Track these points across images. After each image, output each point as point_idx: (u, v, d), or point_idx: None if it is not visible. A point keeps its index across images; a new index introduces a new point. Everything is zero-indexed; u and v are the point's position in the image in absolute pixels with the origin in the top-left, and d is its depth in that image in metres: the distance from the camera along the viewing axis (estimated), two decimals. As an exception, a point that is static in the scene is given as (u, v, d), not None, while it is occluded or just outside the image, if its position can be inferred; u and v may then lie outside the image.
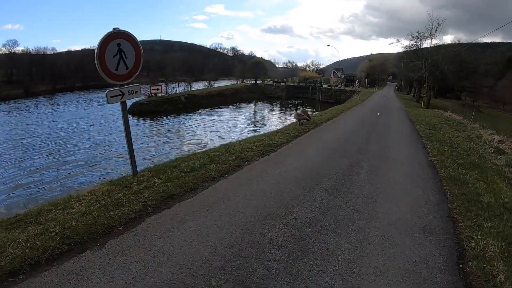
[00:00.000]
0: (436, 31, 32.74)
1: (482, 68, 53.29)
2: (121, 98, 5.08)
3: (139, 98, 34.48)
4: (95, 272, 2.63)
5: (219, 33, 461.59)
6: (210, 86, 52.80)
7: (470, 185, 5.38)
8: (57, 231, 3.19)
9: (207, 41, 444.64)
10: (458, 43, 39.43)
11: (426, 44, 34.69)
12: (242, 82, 61.53)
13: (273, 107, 42.29)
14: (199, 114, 31.81)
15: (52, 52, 70.50)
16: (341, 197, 4.45)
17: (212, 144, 16.36)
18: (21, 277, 2.56)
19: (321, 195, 4.45)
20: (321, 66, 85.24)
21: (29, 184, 11.72)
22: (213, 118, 29.58)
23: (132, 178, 5.29)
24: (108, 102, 4.95)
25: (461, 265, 3.01)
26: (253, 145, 7.44)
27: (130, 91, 5.19)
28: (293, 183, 4.88)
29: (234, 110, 37.05)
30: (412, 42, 35.04)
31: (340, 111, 18.17)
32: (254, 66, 65.80)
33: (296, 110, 11.94)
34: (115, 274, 2.61)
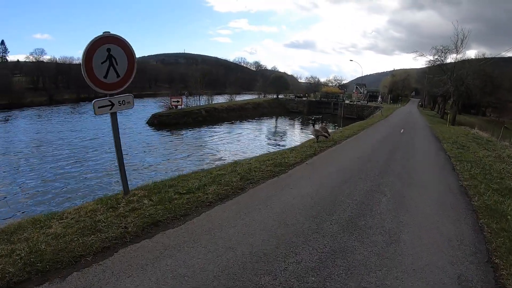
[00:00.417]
0: (461, 43, 31.26)
1: (507, 83, 50.41)
2: (111, 109, 4.65)
3: (159, 110, 35.01)
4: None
5: (243, 48, 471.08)
6: (232, 99, 52.96)
7: (509, 217, 4.44)
8: (22, 254, 2.85)
9: (231, 55, 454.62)
10: (482, 58, 37.60)
11: (450, 58, 33.38)
12: (264, 97, 61.41)
13: (294, 122, 41.49)
14: (218, 127, 31.49)
15: (78, 62, 74.01)
16: (357, 233, 3.65)
17: (230, 159, 15.87)
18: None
19: (333, 231, 3.68)
20: (344, 82, 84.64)
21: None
22: (232, 132, 29.16)
23: (122, 197, 4.82)
24: (95, 113, 4.54)
25: None
26: (263, 164, 6.78)
27: (121, 102, 4.75)
28: (301, 213, 4.14)
29: (254, 124, 36.52)
30: (436, 56, 33.66)
31: (361, 128, 17.20)
32: (276, 80, 65.68)
33: (313, 126, 11.20)
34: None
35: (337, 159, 8.14)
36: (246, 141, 24.56)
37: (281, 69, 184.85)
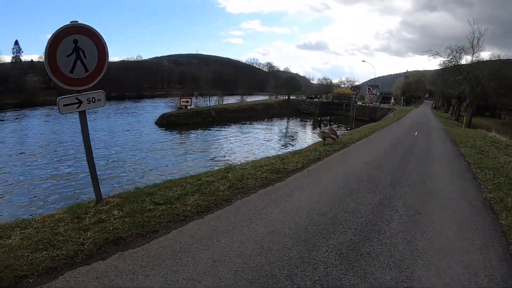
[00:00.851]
0: (478, 42, 29.96)
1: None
2: (78, 107, 4.08)
3: (169, 110, 34.74)
4: None
5: (255, 49, 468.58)
6: (242, 100, 52.49)
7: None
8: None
9: (243, 56, 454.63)
10: (497, 59, 36.03)
11: (465, 58, 32.79)
12: (275, 98, 60.69)
13: (305, 124, 40.52)
14: (228, 128, 30.87)
15: None
16: (358, 265, 2.89)
17: (236, 161, 15.27)
18: None
19: (328, 261, 2.93)
20: (356, 83, 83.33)
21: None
22: (242, 133, 28.50)
23: (93, 205, 4.29)
24: (60, 112, 3.98)
25: None
26: (258, 170, 6.08)
27: (90, 99, 4.17)
28: (290, 235, 3.40)
29: (264, 125, 35.74)
30: (451, 56, 32.41)
31: (373, 130, 16.27)
32: (288, 81, 64.85)
33: (319, 127, 10.39)
34: None
35: (344, 165, 7.33)
36: (255, 142, 23.87)
37: (294, 70, 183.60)
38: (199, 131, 27.86)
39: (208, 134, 26.96)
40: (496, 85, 33.17)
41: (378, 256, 3.07)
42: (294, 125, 39.34)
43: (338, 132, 12.14)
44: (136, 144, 20.97)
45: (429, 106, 60.08)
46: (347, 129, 29.67)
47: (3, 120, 32.08)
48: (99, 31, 4.07)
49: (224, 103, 45.89)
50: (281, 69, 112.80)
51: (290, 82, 64.17)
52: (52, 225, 3.53)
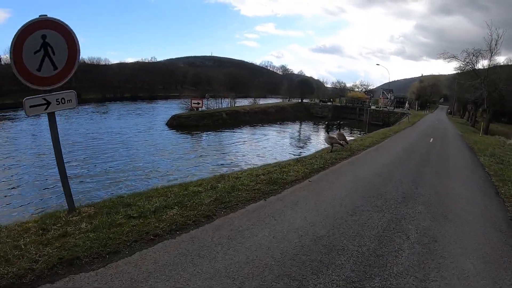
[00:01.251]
0: (496, 44, 28.53)
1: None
2: (46, 109, 3.68)
3: (178, 113, 34.62)
4: None
5: (269, 52, 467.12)
6: (255, 103, 52.09)
7: None
8: None
9: (257, 59, 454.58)
10: None
11: (482, 62, 31.01)
12: (288, 100, 60.00)
13: (318, 128, 39.63)
14: (239, 131, 30.38)
15: (105, 63, 76.77)
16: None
17: (243, 165, 14.79)
18: None
19: (314, 304, 2.36)
20: (370, 87, 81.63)
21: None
22: (253, 136, 27.96)
23: (64, 215, 3.90)
24: (26, 114, 3.60)
25: None
26: (253, 180, 5.53)
27: (59, 100, 3.76)
28: (272, 267, 2.81)
29: (276, 128, 35.06)
30: (467, 60, 30.97)
31: (386, 135, 15.43)
32: (301, 84, 64.03)
33: (327, 132, 9.68)
34: None
35: (350, 175, 6.66)
36: (266, 146, 23.27)
37: (308, 73, 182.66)
38: (209, 133, 27.50)
39: (217, 137, 26.57)
40: None
41: (378, 303, 2.46)
42: (306, 129, 38.53)
43: (349, 138, 11.42)
44: (144, 146, 20.79)
45: (444, 111, 58.28)
46: (360, 134, 28.71)
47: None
48: (69, 25, 3.67)
49: (236, 105, 45.59)
50: (295, 72, 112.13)
51: (304, 85, 63.35)
52: (16, 235, 3.27)
